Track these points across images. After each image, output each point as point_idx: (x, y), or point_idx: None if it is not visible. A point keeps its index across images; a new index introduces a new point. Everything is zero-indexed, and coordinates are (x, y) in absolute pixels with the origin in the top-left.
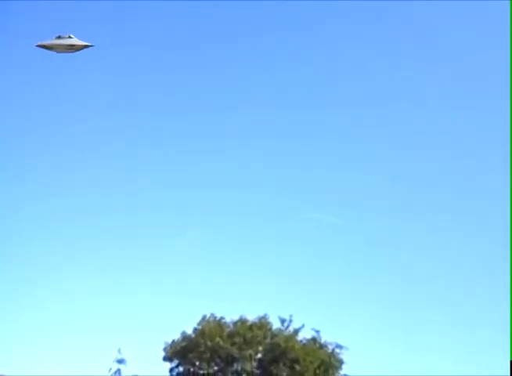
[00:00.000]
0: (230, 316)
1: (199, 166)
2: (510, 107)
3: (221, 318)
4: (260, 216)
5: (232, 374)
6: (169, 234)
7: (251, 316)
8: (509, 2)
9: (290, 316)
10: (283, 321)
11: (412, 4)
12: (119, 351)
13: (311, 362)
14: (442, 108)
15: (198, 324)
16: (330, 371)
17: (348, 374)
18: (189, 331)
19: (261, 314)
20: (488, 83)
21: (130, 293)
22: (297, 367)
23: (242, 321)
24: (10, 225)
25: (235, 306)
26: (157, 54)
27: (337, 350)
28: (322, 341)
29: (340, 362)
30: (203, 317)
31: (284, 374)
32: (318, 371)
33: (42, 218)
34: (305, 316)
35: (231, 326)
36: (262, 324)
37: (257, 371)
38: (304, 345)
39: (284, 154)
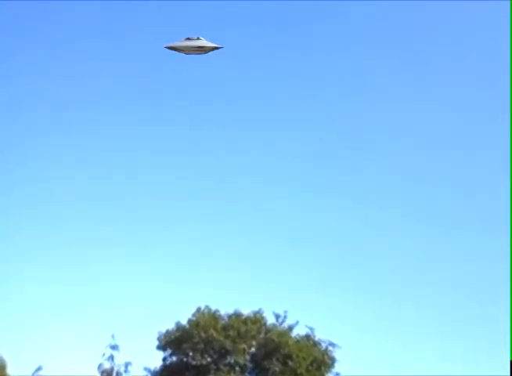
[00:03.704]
0: (225, 309)
1: (197, 155)
2: (511, 107)
3: (216, 310)
4: (256, 209)
5: (225, 366)
6: (167, 223)
7: (246, 310)
8: (509, 2)
9: (285, 311)
10: (277, 317)
11: (411, 4)
12: (112, 337)
13: (304, 358)
14: (441, 107)
15: (192, 315)
16: (323, 369)
17: (341, 372)
18: (184, 322)
19: (256, 309)
20: (488, 83)
21: (126, 280)
22: (290, 363)
23: (236, 315)
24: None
25: (230, 299)
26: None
27: (330, 348)
28: (316, 338)
29: (333, 360)
30: (198, 309)
31: (277, 369)
32: (310, 368)
33: (38, 201)
34: (300, 313)
35: (225, 319)
36: (257, 319)
37: (250, 365)
38: (297, 341)
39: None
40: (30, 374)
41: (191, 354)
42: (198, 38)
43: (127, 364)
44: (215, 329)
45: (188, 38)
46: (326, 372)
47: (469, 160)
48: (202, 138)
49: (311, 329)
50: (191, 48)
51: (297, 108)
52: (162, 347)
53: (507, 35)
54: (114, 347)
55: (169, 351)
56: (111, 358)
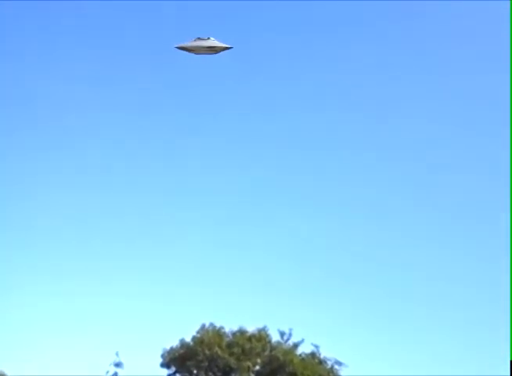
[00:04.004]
0: (229, 326)
1: (203, 171)
2: (511, 108)
3: (221, 327)
4: (263, 226)
5: None
6: (172, 240)
7: (251, 328)
8: (509, 2)
9: (290, 329)
10: (282, 334)
11: (410, 4)
12: (117, 354)
13: None
14: (439, 108)
15: (197, 332)
16: None
17: None
18: (188, 339)
19: (261, 326)
20: (488, 83)
21: (130, 297)
22: None
23: (241, 332)
24: (9, 222)
25: (234, 316)
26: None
27: (337, 366)
28: (322, 356)
29: None
30: (203, 326)
31: None
32: None
33: (43, 216)
34: (305, 331)
35: (230, 336)
36: (261, 336)
37: None
38: (303, 359)
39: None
40: None
41: (195, 372)
42: (209, 38)
43: None
44: (220, 346)
45: (198, 38)
46: None
47: (468, 164)
48: (212, 140)
49: (317, 347)
50: (202, 49)
51: (309, 109)
52: (166, 364)
53: (507, 35)
54: (118, 364)
55: (173, 368)
56: (115, 375)
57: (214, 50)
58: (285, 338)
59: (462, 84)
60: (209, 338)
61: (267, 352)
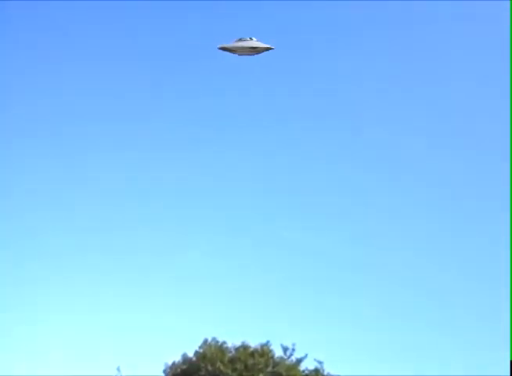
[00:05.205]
0: (232, 341)
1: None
2: (510, 109)
3: (223, 342)
4: (267, 240)
5: None
6: (176, 255)
7: (253, 343)
8: (509, 2)
9: (293, 344)
10: (285, 349)
11: (410, 4)
12: (118, 369)
13: None
14: (439, 107)
15: (199, 347)
16: None
17: None
18: (190, 354)
19: (264, 341)
20: (487, 84)
21: (131, 311)
22: None
23: (244, 347)
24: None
25: (237, 331)
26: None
27: None
28: (325, 373)
29: None
30: (205, 341)
31: None
32: None
33: (44, 229)
34: (309, 346)
35: (232, 351)
36: (264, 352)
37: None
38: (306, 375)
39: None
40: None
41: None
42: (250, 39)
43: None
44: (222, 362)
45: (240, 39)
46: None
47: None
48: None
49: (321, 363)
50: (243, 49)
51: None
52: None
53: (507, 35)
54: None
55: None
56: None
57: (255, 51)
58: (288, 353)
59: (461, 85)
60: (211, 353)
61: (270, 368)
